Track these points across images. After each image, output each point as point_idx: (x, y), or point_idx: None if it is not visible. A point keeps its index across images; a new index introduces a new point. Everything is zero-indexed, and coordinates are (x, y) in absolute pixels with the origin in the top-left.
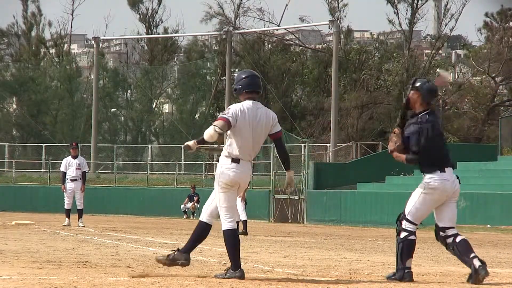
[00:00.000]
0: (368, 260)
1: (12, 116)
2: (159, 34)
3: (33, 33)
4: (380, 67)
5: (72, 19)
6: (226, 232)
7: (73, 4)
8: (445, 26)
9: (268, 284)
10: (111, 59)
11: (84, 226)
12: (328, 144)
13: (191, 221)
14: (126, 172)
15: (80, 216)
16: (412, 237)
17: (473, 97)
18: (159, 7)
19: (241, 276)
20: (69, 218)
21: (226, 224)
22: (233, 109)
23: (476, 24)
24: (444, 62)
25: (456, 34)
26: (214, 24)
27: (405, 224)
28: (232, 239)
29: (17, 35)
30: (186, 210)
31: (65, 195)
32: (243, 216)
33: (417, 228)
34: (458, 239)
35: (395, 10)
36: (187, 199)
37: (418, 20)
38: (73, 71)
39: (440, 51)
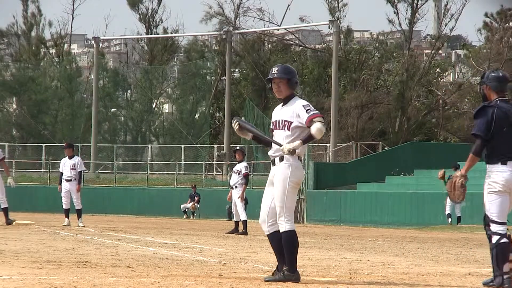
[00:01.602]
0: (368, 260)
1: (12, 116)
2: (159, 34)
3: (33, 33)
4: (380, 67)
5: (73, 19)
6: (291, 233)
7: (73, 4)
8: (445, 26)
9: (268, 284)
10: (111, 59)
11: (84, 226)
12: (328, 144)
13: (191, 221)
14: (126, 172)
15: (79, 216)
16: (504, 240)
17: (473, 97)
18: (159, 7)
19: (298, 279)
20: (68, 218)
21: (290, 225)
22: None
23: (476, 24)
24: (444, 62)
25: (456, 34)
26: (214, 24)
27: (494, 227)
28: (295, 241)
29: (17, 35)
30: (186, 210)
31: (62, 195)
32: (243, 216)
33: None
34: (502, 241)
35: (395, 10)
36: (189, 199)
37: (418, 20)
38: (73, 71)
39: (440, 51)
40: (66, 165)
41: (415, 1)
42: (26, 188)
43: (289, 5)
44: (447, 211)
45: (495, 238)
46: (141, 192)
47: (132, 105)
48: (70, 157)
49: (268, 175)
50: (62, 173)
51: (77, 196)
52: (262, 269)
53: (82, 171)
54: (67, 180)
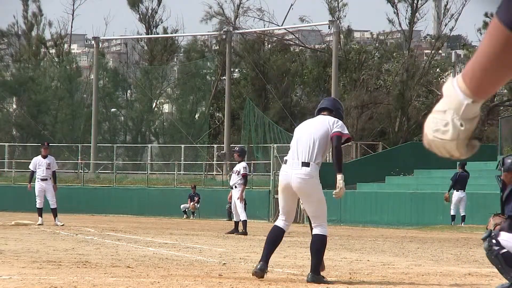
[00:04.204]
0: (368, 260)
1: (12, 116)
2: (159, 34)
3: (33, 33)
4: (380, 67)
5: (73, 19)
6: (324, 238)
7: (73, 4)
8: (445, 26)
9: (268, 284)
10: (111, 59)
11: (62, 225)
12: None
13: (191, 221)
14: (126, 172)
15: (55, 215)
16: None
17: None
18: (159, 7)
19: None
20: (42, 217)
21: (326, 228)
22: None
23: (476, 24)
24: (444, 62)
25: (456, 34)
26: (214, 24)
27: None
28: (323, 245)
29: (17, 35)
30: (186, 210)
31: (36, 195)
32: (242, 216)
33: None
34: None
35: (395, 10)
36: (188, 199)
37: (418, 20)
38: (73, 71)
39: (440, 51)
40: (42, 165)
41: (415, 1)
42: (26, 188)
43: (292, 5)
44: (452, 213)
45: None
46: (141, 192)
47: (132, 105)
48: (45, 157)
49: (268, 175)
50: (33, 172)
51: (53, 195)
52: None
53: (56, 171)
54: (42, 180)
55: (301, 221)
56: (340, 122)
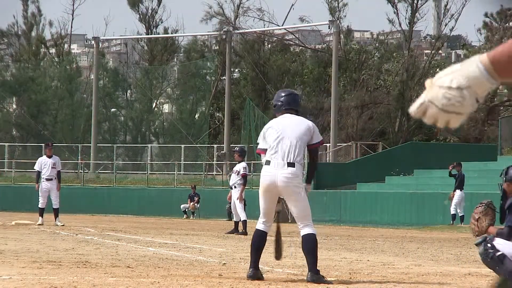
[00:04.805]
0: (368, 260)
1: (12, 116)
2: (159, 34)
3: (33, 33)
4: (380, 67)
5: (73, 19)
6: (315, 236)
7: (73, 4)
8: (445, 26)
9: (268, 284)
10: (111, 59)
11: (63, 225)
12: (328, 144)
13: (191, 221)
14: (126, 172)
15: (56, 215)
16: None
17: None
18: (159, 7)
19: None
20: (42, 217)
21: (314, 228)
22: None
23: (476, 24)
24: (444, 62)
25: (456, 34)
26: (214, 24)
27: None
28: (316, 244)
29: (17, 35)
30: (186, 210)
31: (39, 194)
32: (242, 216)
33: None
34: None
35: (395, 10)
36: (188, 199)
37: (418, 20)
38: (73, 71)
39: (440, 51)
40: (47, 164)
41: (415, 1)
42: (26, 188)
43: (292, 4)
44: (452, 211)
45: None
46: (141, 192)
47: (132, 105)
48: (50, 157)
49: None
50: (39, 172)
51: (57, 195)
52: (262, 269)
53: (60, 171)
54: (47, 179)
55: None
56: (317, 129)
